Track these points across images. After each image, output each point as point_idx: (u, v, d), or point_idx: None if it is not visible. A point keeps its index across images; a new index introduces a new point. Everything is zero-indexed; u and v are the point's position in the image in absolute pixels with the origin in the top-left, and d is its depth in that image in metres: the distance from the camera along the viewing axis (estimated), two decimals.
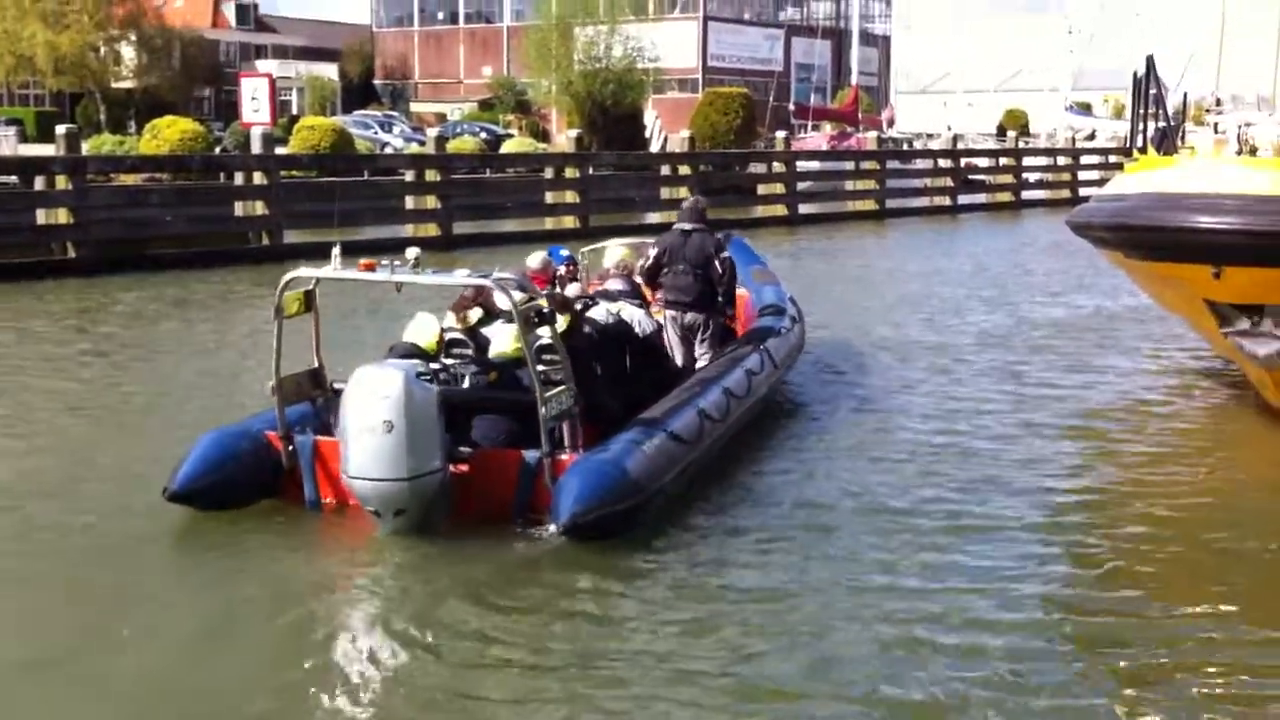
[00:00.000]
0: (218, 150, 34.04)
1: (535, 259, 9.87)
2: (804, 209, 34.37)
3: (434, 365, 8.10)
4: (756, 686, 5.73)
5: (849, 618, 6.46)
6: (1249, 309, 10.13)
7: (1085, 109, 62.00)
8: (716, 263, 10.55)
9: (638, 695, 5.64)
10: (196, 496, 7.84)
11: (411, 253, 7.72)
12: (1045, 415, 11.04)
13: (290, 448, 8.06)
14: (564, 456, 7.71)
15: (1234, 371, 12.19)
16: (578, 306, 9.09)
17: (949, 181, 39.25)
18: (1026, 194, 41.89)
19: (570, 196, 28.82)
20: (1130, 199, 10.57)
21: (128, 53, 59.62)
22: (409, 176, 27.09)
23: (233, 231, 24.45)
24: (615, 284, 10.16)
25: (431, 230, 25.64)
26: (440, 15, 79.62)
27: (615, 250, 10.93)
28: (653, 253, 10.73)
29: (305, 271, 8.01)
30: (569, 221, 28.26)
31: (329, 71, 74.06)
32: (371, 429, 7.20)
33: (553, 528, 7.34)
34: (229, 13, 79.08)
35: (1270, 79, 22.96)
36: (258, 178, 23.56)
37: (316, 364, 8.50)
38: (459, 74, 77.38)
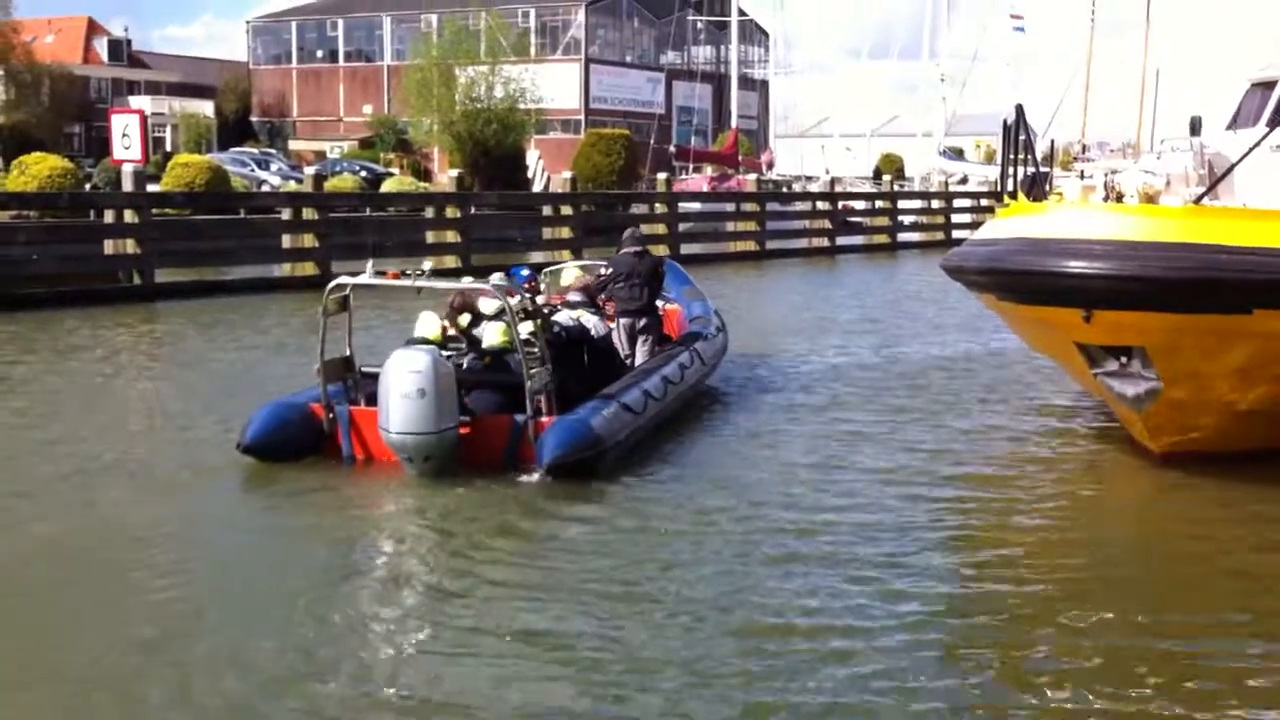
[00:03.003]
0: (87, 187, 33.21)
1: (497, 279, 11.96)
2: (686, 249, 34.49)
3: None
4: (672, 591, 7.61)
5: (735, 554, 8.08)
6: (1118, 350, 10.37)
7: (958, 154, 63.26)
8: (660, 275, 13.56)
9: (602, 580, 7.68)
10: (261, 450, 10.02)
11: (427, 265, 10.39)
12: (913, 458, 11.04)
13: (331, 416, 10.29)
14: (544, 419, 9.98)
15: (1104, 410, 12.47)
16: (545, 311, 11.21)
17: (827, 223, 39.86)
18: (902, 236, 42.73)
19: (451, 236, 28.59)
20: (1002, 244, 10.75)
21: None
22: (286, 215, 26.44)
23: (102, 270, 23.79)
24: (575, 296, 12.89)
25: (309, 269, 25.14)
26: (319, 53, 79.05)
27: (571, 270, 14.85)
28: (608, 271, 13.24)
29: (344, 279, 10.41)
30: (450, 261, 27.97)
31: (204, 108, 72.92)
32: (408, 395, 9.42)
33: (538, 472, 9.66)
34: (101, 49, 77.55)
35: (1134, 126, 23.72)
36: (128, 215, 22.95)
37: (349, 352, 10.63)
38: (339, 112, 76.82)
